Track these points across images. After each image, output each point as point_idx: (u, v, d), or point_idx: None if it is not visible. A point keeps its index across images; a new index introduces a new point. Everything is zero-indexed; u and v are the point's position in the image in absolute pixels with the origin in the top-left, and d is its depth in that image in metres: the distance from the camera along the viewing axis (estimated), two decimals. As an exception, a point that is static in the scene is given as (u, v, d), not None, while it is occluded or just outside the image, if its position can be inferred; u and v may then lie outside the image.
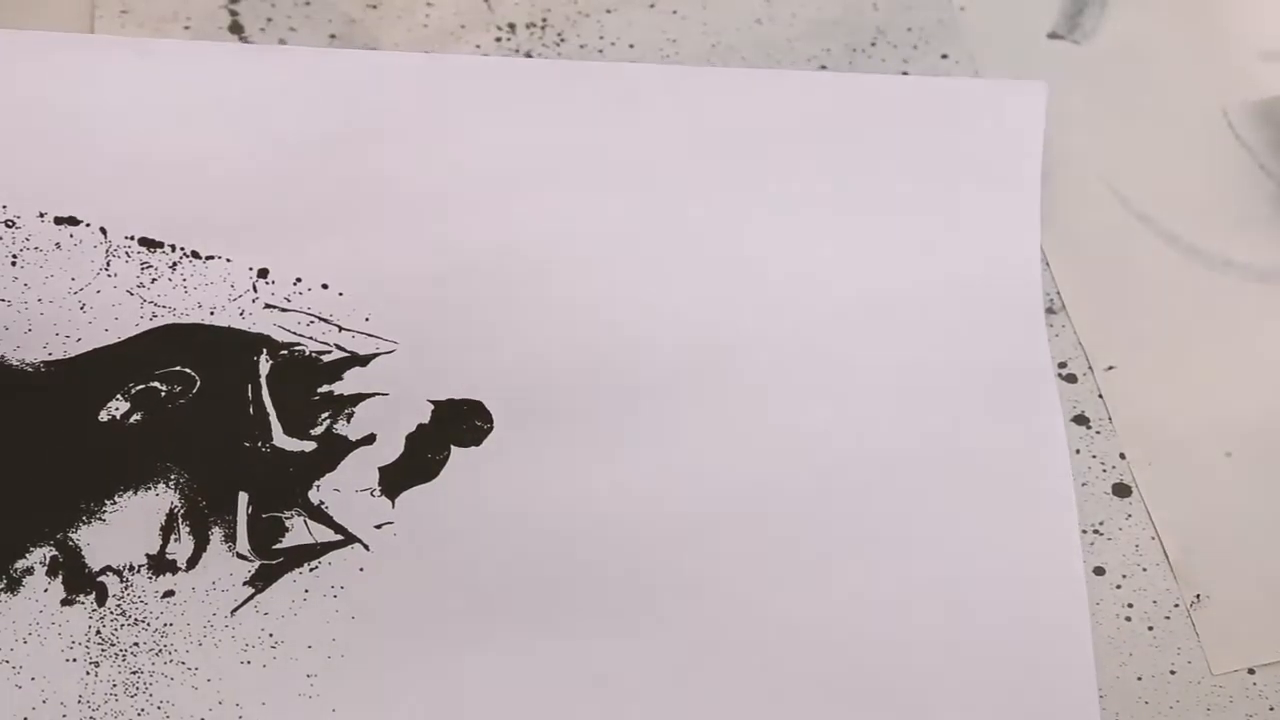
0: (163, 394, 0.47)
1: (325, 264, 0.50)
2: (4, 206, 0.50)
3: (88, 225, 0.50)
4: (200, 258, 0.50)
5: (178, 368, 0.48)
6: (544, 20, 0.57)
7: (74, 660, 0.42)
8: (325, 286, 0.49)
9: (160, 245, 0.50)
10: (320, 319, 0.49)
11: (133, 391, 0.47)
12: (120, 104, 0.53)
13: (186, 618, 0.43)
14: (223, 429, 0.47)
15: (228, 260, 0.50)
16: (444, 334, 0.49)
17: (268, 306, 0.49)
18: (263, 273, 0.50)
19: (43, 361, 0.47)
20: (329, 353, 0.48)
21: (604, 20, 0.57)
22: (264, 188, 0.52)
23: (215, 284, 0.49)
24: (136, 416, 0.47)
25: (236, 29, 0.56)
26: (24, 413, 0.47)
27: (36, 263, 0.49)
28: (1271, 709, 0.44)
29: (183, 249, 0.50)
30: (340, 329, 0.49)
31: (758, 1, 0.58)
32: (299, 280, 0.50)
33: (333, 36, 0.56)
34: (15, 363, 0.47)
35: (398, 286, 0.50)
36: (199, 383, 0.48)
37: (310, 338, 0.49)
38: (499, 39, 0.56)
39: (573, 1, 0.57)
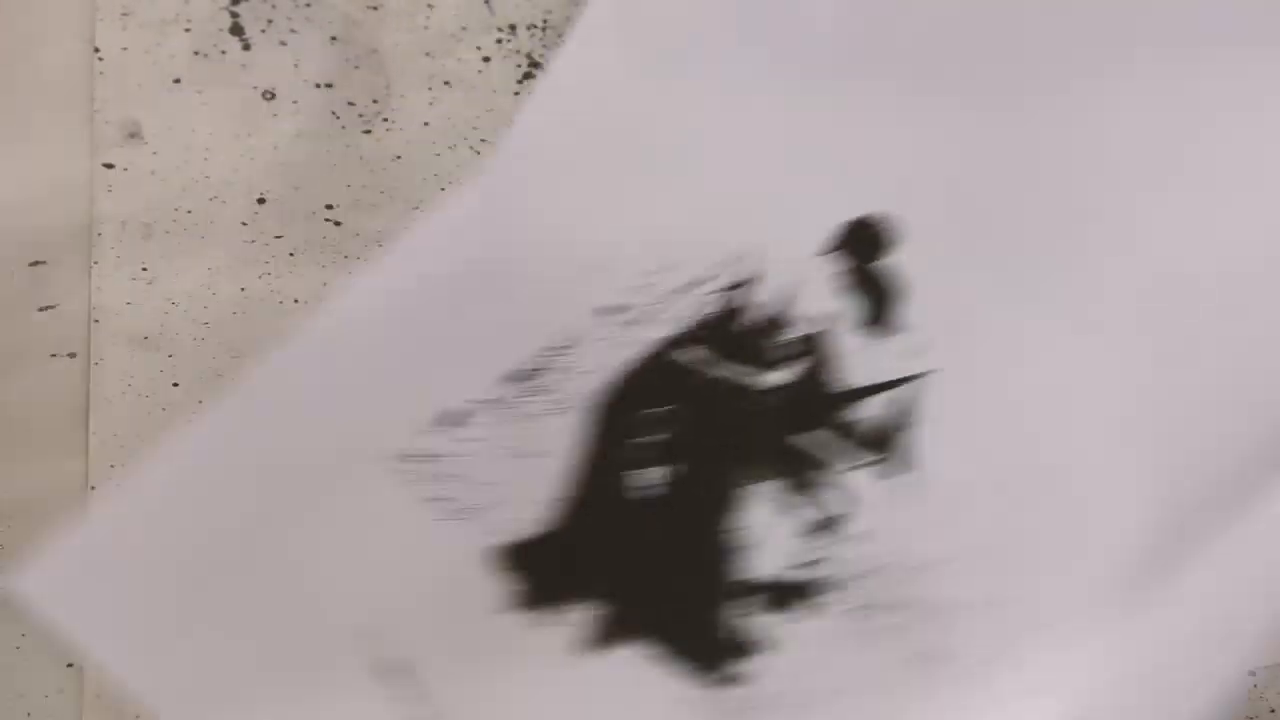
0: None
1: None
2: None
3: None
4: None
5: None
6: (545, 21, 0.57)
7: None
8: None
9: None
10: None
11: None
12: None
13: None
14: None
15: None
16: None
17: None
18: None
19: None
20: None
21: (605, 22, 0.57)
22: None
23: None
24: None
25: (237, 30, 0.56)
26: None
27: None
28: (1272, 711, 0.44)
29: None
30: None
31: (758, 3, 0.58)
32: None
33: (333, 38, 0.56)
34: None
35: None
36: None
37: None
38: (500, 40, 0.56)
39: (574, 3, 0.57)
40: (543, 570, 0.48)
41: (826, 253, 0.51)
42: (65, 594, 0.45)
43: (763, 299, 0.51)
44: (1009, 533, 0.47)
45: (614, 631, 0.47)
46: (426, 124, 0.55)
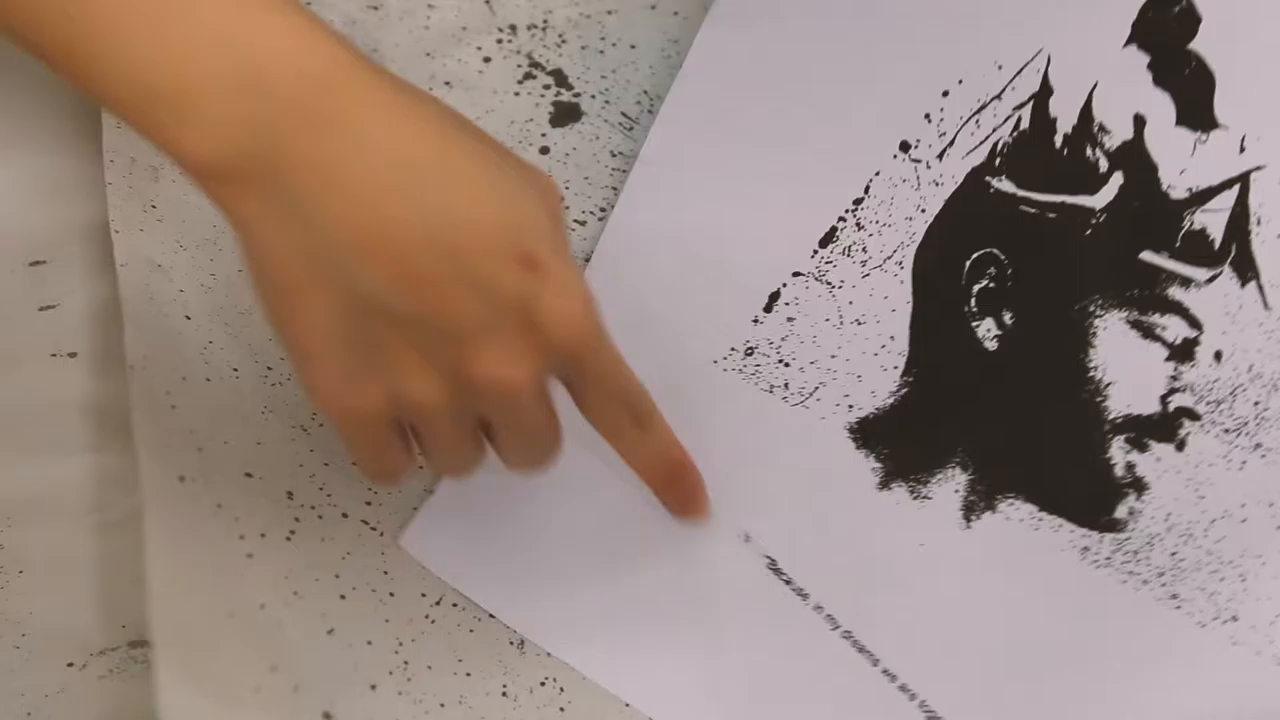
0: None
1: None
2: None
3: None
4: None
5: None
6: (545, 22, 0.57)
7: None
8: None
9: None
10: None
11: None
12: None
13: None
14: None
15: None
16: None
17: None
18: None
19: None
20: None
21: (605, 22, 0.57)
22: None
23: None
24: None
25: (237, 29, 0.56)
26: None
27: None
28: (1271, 712, 0.44)
29: None
30: None
31: (759, 3, 0.58)
32: None
33: (334, 37, 0.56)
34: None
35: None
36: None
37: None
38: (500, 40, 0.56)
39: (574, 3, 0.57)
40: (904, 442, 0.46)
41: (1125, 44, 0.47)
42: (443, 548, 0.46)
43: (1060, 110, 0.48)
44: None
45: (986, 494, 0.46)
46: (427, 124, 0.55)
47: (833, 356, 0.47)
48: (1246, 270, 0.46)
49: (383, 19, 0.56)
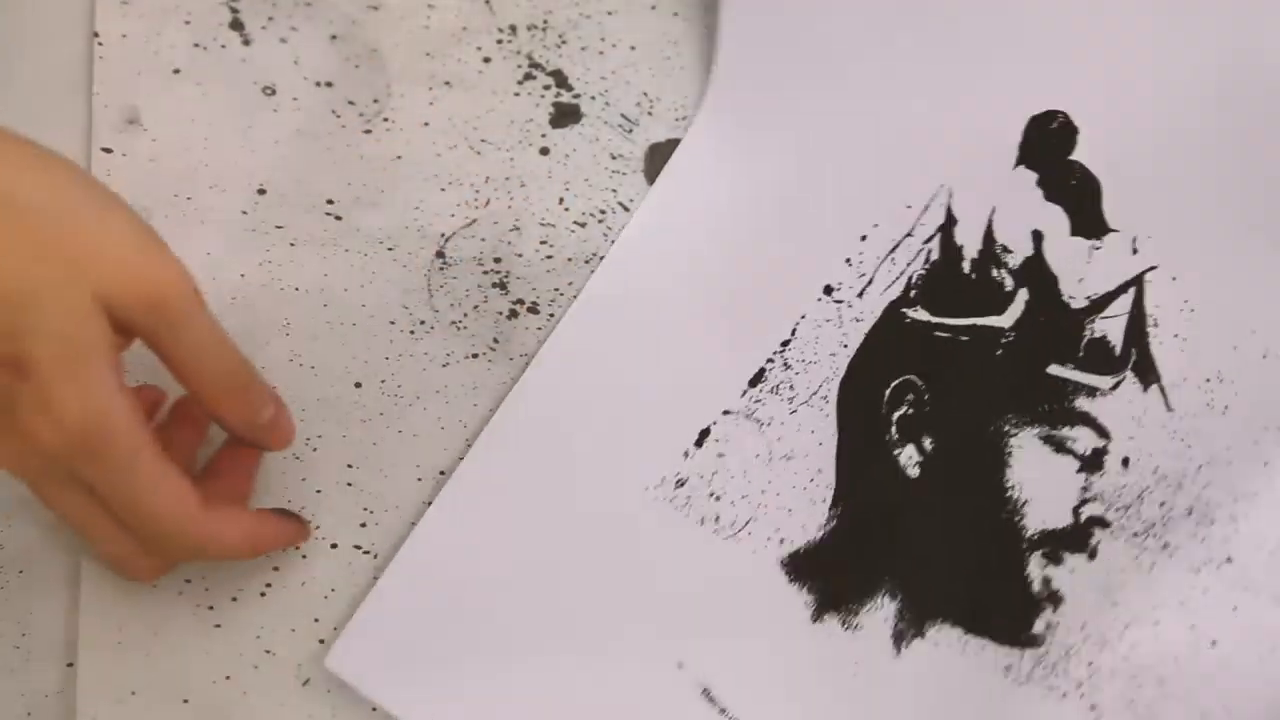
0: None
1: None
2: None
3: None
4: None
5: None
6: (545, 22, 0.57)
7: None
8: None
9: None
10: None
11: None
12: None
13: None
14: None
15: None
16: None
17: None
18: None
19: None
20: None
21: (605, 22, 0.57)
22: None
23: None
24: None
25: (237, 26, 0.56)
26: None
27: None
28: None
29: None
30: None
31: (759, 4, 0.58)
32: None
33: (334, 37, 0.56)
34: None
35: None
36: None
37: None
38: (500, 40, 0.56)
39: (574, 4, 0.57)
40: (835, 573, 0.47)
41: (1015, 165, 0.50)
42: (371, 667, 0.45)
43: (965, 237, 0.50)
44: (1260, 424, 0.46)
45: (915, 621, 0.46)
46: (426, 124, 0.55)
47: (763, 491, 0.48)
48: (1148, 374, 0.48)
49: (383, 19, 0.56)
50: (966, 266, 0.50)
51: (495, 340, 0.51)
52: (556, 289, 0.52)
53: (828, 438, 0.49)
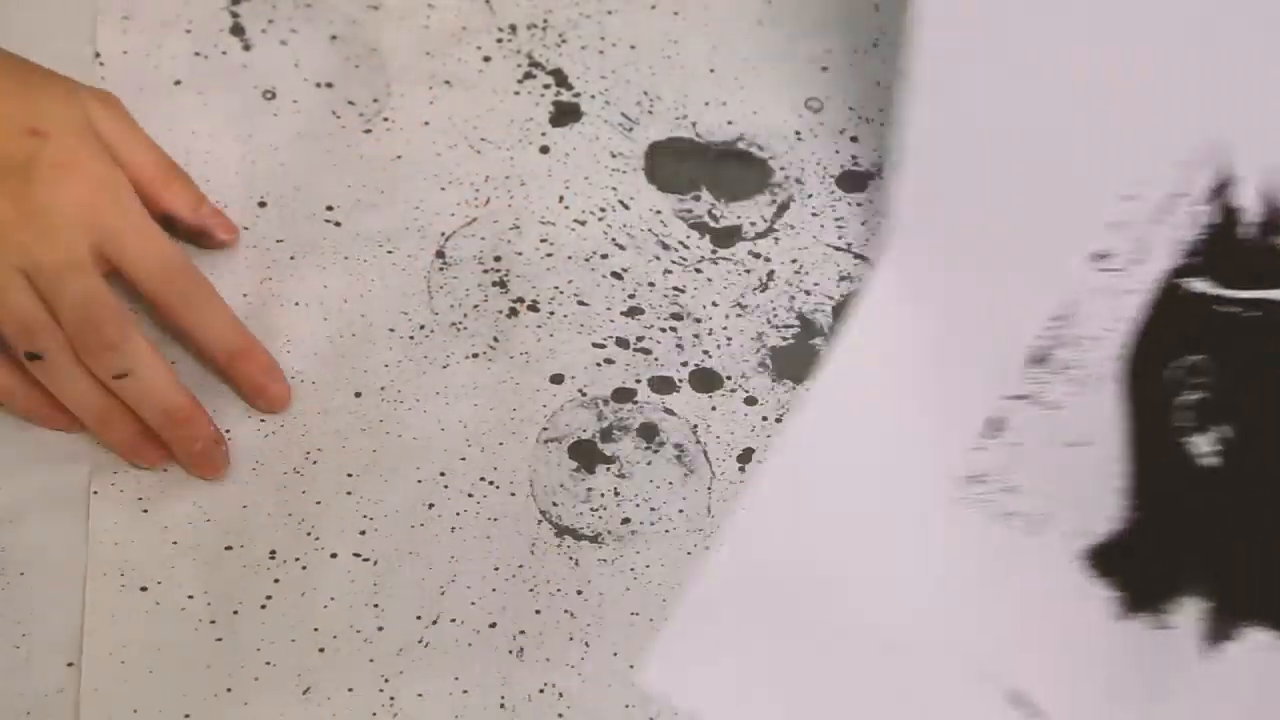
0: None
1: None
2: None
3: None
4: None
5: None
6: (545, 21, 0.57)
7: None
8: None
9: None
10: None
11: None
12: None
13: None
14: None
15: None
16: None
17: None
18: None
19: None
20: None
21: (605, 21, 0.57)
22: None
23: None
24: None
25: (238, 31, 0.56)
26: None
27: None
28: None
29: None
30: None
31: (758, 2, 0.58)
32: None
33: (333, 37, 0.56)
34: None
35: None
36: None
37: None
38: (500, 40, 0.56)
39: (574, 3, 0.57)
40: (1136, 569, 0.45)
41: None
42: (683, 676, 0.45)
43: (1250, 200, 0.45)
44: None
45: (1228, 622, 0.44)
46: (426, 124, 0.55)
47: (1060, 482, 0.45)
48: None
49: (383, 19, 0.56)
50: (1249, 232, 0.45)
51: (495, 339, 0.51)
52: (556, 287, 0.52)
53: (1116, 422, 0.46)
